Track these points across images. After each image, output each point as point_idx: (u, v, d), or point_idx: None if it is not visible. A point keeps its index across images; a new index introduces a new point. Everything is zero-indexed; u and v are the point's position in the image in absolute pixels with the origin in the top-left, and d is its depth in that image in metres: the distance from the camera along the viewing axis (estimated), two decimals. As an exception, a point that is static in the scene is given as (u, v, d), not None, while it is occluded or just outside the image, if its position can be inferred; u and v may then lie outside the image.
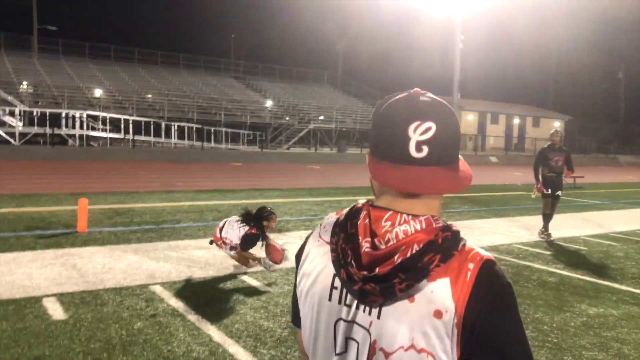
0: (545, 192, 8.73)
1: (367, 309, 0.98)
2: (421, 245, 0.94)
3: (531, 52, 62.57)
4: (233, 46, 53.70)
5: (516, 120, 50.17)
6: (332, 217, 1.13)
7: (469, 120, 45.79)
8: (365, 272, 0.94)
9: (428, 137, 0.97)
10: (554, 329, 4.67)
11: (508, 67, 65.38)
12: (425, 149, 0.97)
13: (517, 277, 6.29)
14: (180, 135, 28.32)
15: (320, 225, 1.14)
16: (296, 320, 1.19)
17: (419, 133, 0.97)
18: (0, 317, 4.40)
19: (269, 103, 40.21)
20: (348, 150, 32.55)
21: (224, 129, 30.09)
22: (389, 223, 0.98)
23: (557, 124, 50.20)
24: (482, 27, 39.67)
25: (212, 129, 29.39)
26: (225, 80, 43.97)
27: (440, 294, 0.93)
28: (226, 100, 36.92)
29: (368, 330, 0.97)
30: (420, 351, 0.93)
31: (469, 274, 0.95)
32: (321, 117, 38.00)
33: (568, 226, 10.07)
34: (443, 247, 0.95)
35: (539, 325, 4.76)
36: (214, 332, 4.30)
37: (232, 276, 5.90)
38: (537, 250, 7.95)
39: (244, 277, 5.88)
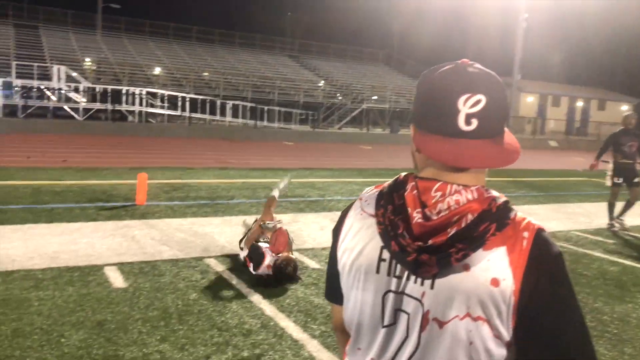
0: (616, 180, 8.22)
1: (419, 280, 0.98)
2: (476, 215, 0.94)
3: (599, 30, 59.19)
4: (289, 25, 53.74)
5: (579, 103, 47.97)
6: (372, 190, 1.11)
7: (528, 102, 44.16)
8: (420, 243, 0.94)
9: (478, 109, 0.96)
10: (615, 320, 4.49)
11: (573, 47, 62.30)
12: (475, 122, 0.96)
13: (575, 265, 6.08)
14: (235, 114, 28.71)
15: (360, 198, 1.12)
16: (331, 295, 1.19)
17: (468, 106, 0.96)
18: (66, 283, 4.65)
19: (322, 82, 40.12)
20: (401, 131, 32.13)
21: (277, 108, 30.28)
22: (439, 193, 0.97)
23: (626, 107, 47.66)
24: (547, 4, 37.85)
25: (266, 108, 29.63)
26: (280, 59, 44.11)
27: (496, 262, 0.94)
28: (280, 79, 37.08)
29: (420, 301, 0.97)
30: (476, 319, 0.94)
31: (524, 242, 0.95)
32: (374, 97, 37.59)
33: (633, 214, 9.61)
34: (497, 215, 0.95)
35: (598, 315, 4.59)
36: (266, 306, 4.39)
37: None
38: (598, 238, 7.64)
39: (295, 254, 5.94)
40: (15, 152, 13.76)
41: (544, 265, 0.95)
